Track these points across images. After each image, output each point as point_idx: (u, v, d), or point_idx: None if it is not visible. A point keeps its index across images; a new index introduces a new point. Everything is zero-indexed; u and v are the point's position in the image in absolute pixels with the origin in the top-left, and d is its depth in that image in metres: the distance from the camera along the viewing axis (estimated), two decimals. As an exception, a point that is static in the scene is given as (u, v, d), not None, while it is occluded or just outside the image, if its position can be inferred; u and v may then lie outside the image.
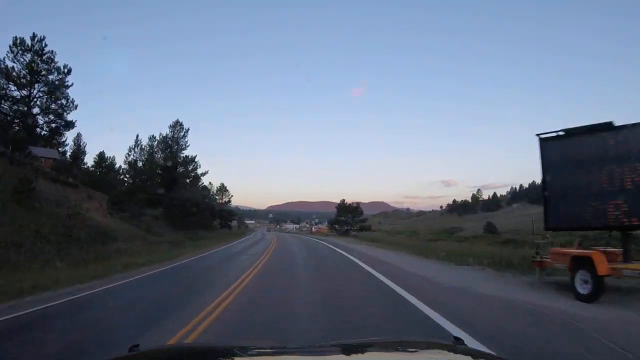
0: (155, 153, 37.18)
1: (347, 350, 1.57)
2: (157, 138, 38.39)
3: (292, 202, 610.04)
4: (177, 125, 39.38)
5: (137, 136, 37.37)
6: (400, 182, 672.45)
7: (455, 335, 2.92)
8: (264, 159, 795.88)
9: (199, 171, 52.17)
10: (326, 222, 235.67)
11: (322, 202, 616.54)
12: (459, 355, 1.43)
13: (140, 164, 35.51)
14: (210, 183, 71.58)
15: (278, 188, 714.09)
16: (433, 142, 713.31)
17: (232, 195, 71.49)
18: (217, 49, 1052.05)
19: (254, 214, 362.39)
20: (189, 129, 39.93)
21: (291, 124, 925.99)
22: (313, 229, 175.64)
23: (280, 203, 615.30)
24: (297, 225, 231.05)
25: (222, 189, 70.95)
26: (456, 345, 1.62)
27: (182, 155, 38.81)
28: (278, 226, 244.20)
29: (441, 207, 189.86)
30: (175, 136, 39.17)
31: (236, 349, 1.51)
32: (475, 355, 1.57)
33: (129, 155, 35.57)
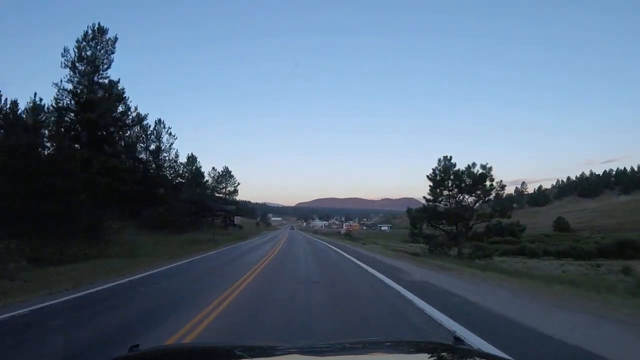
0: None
1: (347, 350, 1.52)
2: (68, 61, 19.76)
3: (320, 199, 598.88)
4: (95, 35, 20.69)
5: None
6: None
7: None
8: (293, 157, 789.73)
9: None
10: (356, 220, 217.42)
11: (351, 198, 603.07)
12: (458, 356, 1.39)
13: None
14: (213, 168, 53.55)
15: (307, 185, 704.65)
16: (460, 139, 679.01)
17: (238, 184, 52.36)
18: (235, 52, 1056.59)
19: (281, 210, 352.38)
20: (117, 39, 20.99)
21: (319, 123, 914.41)
22: (344, 226, 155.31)
23: (308, 200, 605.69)
24: (326, 222, 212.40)
25: (226, 175, 51.93)
26: (457, 345, 1.57)
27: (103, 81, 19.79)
28: (305, 223, 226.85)
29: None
30: (92, 54, 20.53)
31: (236, 349, 1.44)
32: (475, 354, 1.55)
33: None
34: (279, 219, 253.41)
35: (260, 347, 1.68)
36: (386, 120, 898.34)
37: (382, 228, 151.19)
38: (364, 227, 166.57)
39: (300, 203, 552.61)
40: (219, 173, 51.16)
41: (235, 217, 41.49)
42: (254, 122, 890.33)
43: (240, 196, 56.33)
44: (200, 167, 48.16)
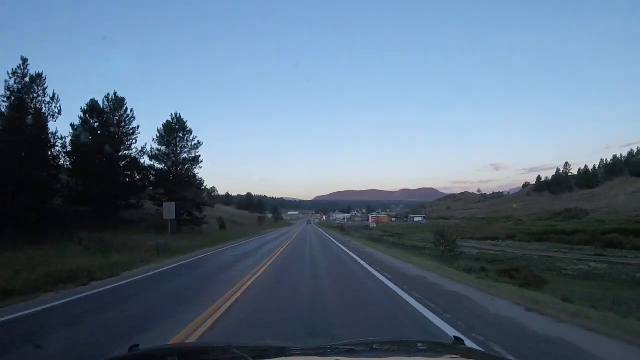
0: None
1: (348, 350, 1.51)
2: None
3: (339, 192, 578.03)
4: None
5: None
6: (447, 168, 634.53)
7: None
8: (309, 152, 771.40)
9: None
10: (380, 211, 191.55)
11: (369, 190, 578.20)
12: (459, 356, 1.39)
13: None
14: (165, 124, 30.57)
15: (324, 179, 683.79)
16: (477, 127, 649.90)
17: (199, 143, 28.43)
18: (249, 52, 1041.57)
19: (299, 204, 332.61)
20: None
21: (334, 117, 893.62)
22: (370, 218, 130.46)
23: (326, 193, 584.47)
24: (348, 215, 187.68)
25: (175, 128, 28.38)
26: (456, 345, 1.58)
27: None
28: (324, 217, 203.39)
29: (524, 185, 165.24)
30: None
31: (236, 349, 1.43)
32: (475, 355, 1.57)
33: None
34: (296, 212, 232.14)
35: (260, 347, 1.65)
36: (403, 112, 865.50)
37: (416, 219, 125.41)
38: (393, 219, 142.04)
39: (319, 196, 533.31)
40: (163, 124, 28.15)
41: (166, 206, 18.33)
42: (268, 120, 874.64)
43: (257, 191, 34.28)
44: (132, 116, 25.46)
